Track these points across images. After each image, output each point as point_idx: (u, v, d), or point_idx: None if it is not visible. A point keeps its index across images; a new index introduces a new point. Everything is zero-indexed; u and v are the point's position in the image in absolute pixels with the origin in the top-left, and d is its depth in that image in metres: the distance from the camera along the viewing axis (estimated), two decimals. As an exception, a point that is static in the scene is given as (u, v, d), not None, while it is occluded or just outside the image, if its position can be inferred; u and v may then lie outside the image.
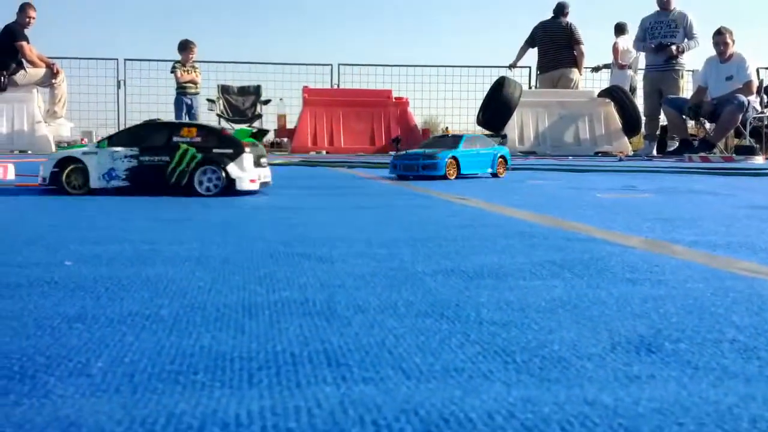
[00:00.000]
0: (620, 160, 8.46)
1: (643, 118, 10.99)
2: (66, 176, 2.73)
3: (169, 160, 2.72)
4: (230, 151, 2.74)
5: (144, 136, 2.81)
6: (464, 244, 1.51)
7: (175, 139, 2.74)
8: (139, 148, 2.74)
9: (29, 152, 10.00)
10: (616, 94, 11.46)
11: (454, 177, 3.94)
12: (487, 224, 1.92)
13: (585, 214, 2.26)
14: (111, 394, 0.60)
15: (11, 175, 3.72)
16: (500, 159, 4.32)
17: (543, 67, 12.25)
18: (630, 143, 11.56)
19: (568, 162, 7.55)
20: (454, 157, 3.99)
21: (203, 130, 2.87)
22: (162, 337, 0.78)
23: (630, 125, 11.28)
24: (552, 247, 1.47)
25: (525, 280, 1.12)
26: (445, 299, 0.98)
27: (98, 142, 2.90)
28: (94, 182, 2.73)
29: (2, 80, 10.41)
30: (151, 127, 2.93)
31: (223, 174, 2.71)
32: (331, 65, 13.97)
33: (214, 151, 2.74)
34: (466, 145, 4.14)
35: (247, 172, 2.75)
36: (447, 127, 17.28)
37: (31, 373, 0.66)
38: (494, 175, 4.26)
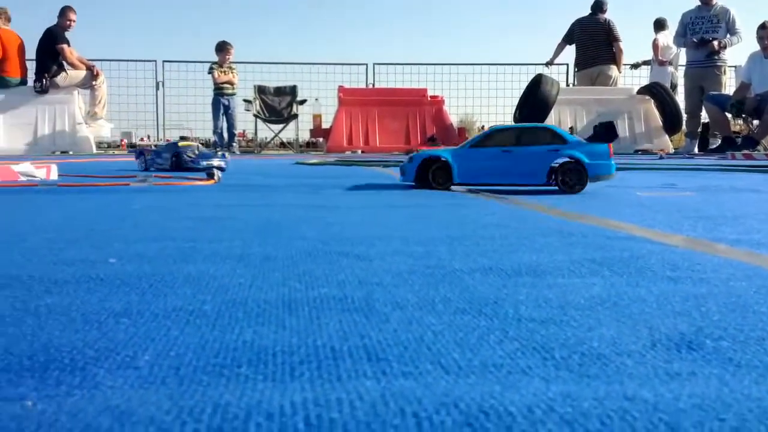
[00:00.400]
0: (661, 158, 8.34)
1: (684, 116, 10.81)
2: None
3: None
4: None
5: None
6: (502, 243, 1.51)
7: None
8: None
9: (71, 153, 10.23)
10: (656, 91, 11.29)
11: (441, 187, 2.95)
12: (525, 223, 1.92)
13: (625, 213, 2.23)
14: (158, 386, 0.62)
15: (54, 175, 3.82)
16: (564, 163, 2.86)
17: (581, 64, 12.12)
18: (671, 141, 11.38)
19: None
20: (435, 159, 2.93)
21: None
22: (206, 331, 0.80)
23: (671, 123, 11.10)
24: (591, 246, 1.46)
25: (564, 278, 1.12)
26: (483, 296, 0.98)
27: None
28: None
29: (44, 83, 10.67)
30: None
31: None
32: (366, 65, 14.05)
33: None
34: (486, 142, 2.94)
35: None
36: (483, 126, 17.19)
37: (81, 365, 0.68)
38: (562, 188, 2.89)
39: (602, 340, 0.76)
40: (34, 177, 3.66)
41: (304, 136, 13.15)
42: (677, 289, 1.03)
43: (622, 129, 11.20)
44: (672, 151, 10.66)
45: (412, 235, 1.64)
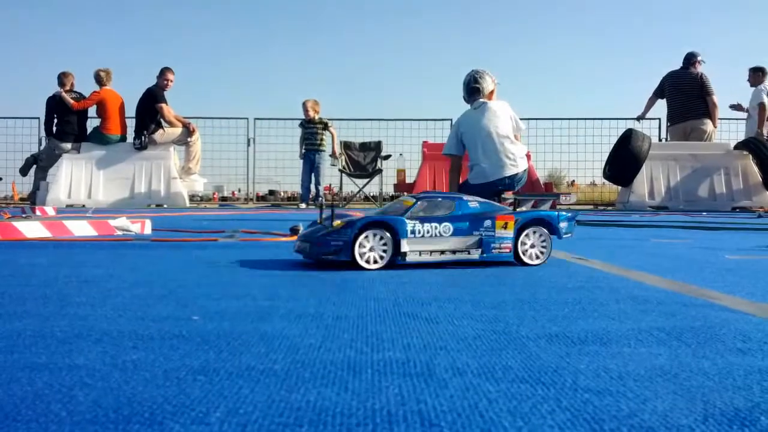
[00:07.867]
0: (759, 216, 8.02)
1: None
2: None
3: None
4: None
5: None
6: (573, 308, 1.52)
7: None
8: None
9: (165, 206, 10.73)
10: (753, 146, 10.92)
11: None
12: (601, 287, 1.90)
13: (708, 277, 2.18)
14: (224, 443, 0.67)
15: (148, 229, 4.02)
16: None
17: (673, 118, 11.88)
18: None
19: (698, 219, 7.23)
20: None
21: None
22: (273, 391, 0.85)
23: (770, 179, 10.67)
24: (664, 313, 1.45)
25: (630, 347, 1.12)
26: (544, 365, 1.00)
27: None
28: None
29: (142, 139, 11.32)
30: None
31: None
32: (451, 120, 14.16)
33: None
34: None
35: None
36: (573, 181, 16.88)
37: (159, 420, 0.74)
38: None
39: (654, 413, 0.76)
40: (130, 231, 3.87)
41: (388, 190, 13.35)
42: (744, 362, 1.01)
43: (719, 185, 10.85)
44: (772, 208, 10.22)
45: (483, 297, 1.66)
